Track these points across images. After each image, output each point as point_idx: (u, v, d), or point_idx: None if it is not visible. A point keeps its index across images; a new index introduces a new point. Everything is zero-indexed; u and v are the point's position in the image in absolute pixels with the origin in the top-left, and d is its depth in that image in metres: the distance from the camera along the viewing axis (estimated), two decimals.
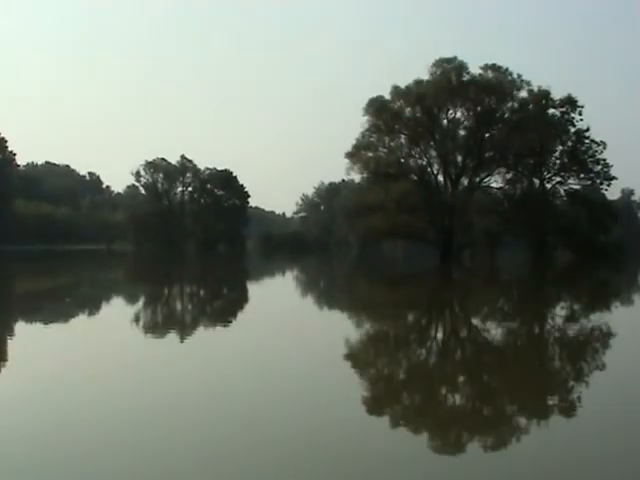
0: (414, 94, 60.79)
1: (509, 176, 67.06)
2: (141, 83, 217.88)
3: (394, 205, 60.74)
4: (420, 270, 54.82)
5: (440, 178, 64.11)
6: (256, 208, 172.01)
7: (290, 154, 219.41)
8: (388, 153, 63.24)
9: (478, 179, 63.84)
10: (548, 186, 69.98)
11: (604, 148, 69.08)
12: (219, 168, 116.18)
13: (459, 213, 58.89)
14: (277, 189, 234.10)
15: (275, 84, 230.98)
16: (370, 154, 63.07)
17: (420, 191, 61.58)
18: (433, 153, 63.40)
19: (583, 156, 68.62)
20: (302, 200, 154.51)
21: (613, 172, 68.61)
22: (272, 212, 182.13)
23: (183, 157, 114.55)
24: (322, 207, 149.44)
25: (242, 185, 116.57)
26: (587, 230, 66.50)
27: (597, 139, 68.42)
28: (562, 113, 67.71)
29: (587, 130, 67.98)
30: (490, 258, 66.62)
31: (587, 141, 68.53)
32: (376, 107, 61.01)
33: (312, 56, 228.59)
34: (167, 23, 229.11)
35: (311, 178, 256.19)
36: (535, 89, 66.84)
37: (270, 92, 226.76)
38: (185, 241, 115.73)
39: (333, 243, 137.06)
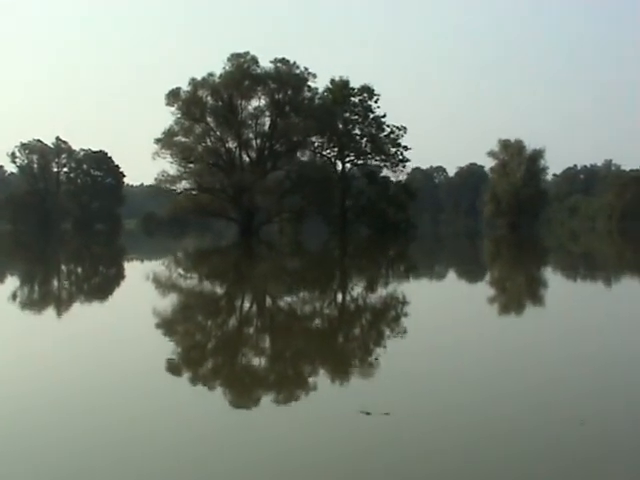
0: (210, 85, 66.59)
1: (310, 158, 73.33)
2: (41, 66, 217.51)
3: (195, 186, 66.93)
4: (227, 245, 60.97)
5: (243, 161, 70.14)
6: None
7: None
8: (195, 139, 68.96)
9: (273, 162, 70.00)
10: (354, 168, 76.90)
11: (404, 133, 76.03)
12: (94, 149, 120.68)
13: (250, 193, 64.86)
14: None
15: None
16: (180, 139, 68.68)
17: (216, 173, 67.67)
18: (234, 138, 69.25)
19: (384, 140, 75.28)
20: None
21: None
22: None
23: (58, 138, 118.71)
24: None
25: (117, 165, 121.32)
26: (383, 207, 73.32)
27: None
28: (360, 101, 74.20)
29: (384, 116, 74.71)
30: (294, 234, 72.96)
31: (387, 126, 75.21)
32: (176, 97, 66.58)
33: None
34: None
35: None
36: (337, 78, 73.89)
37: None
38: (63, 220, 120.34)
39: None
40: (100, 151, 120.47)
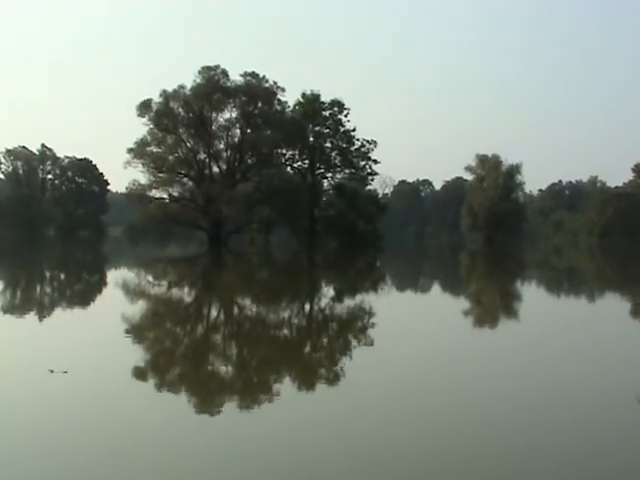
0: (181, 97, 68.10)
1: (280, 170, 74.76)
2: (27, 74, 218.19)
3: (165, 195, 68.57)
4: (197, 253, 62.55)
5: (213, 171, 71.63)
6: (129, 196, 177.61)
7: None
8: (167, 149, 70.38)
9: (243, 173, 71.42)
10: (324, 181, 78.51)
11: (375, 147, 77.46)
12: (79, 157, 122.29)
13: (217, 203, 66.20)
14: None
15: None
16: (152, 150, 70.08)
17: (187, 183, 69.24)
18: (205, 149, 70.75)
19: (355, 154, 76.71)
20: None
21: None
22: None
23: (43, 145, 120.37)
24: None
25: (101, 173, 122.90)
26: (352, 219, 74.59)
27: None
28: (331, 114, 75.69)
29: (354, 130, 76.21)
30: (264, 244, 74.31)
31: (357, 140, 76.66)
32: (147, 109, 68.03)
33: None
34: None
35: None
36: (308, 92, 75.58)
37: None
38: (46, 226, 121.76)
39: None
40: (85, 159, 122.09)
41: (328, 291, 26.81)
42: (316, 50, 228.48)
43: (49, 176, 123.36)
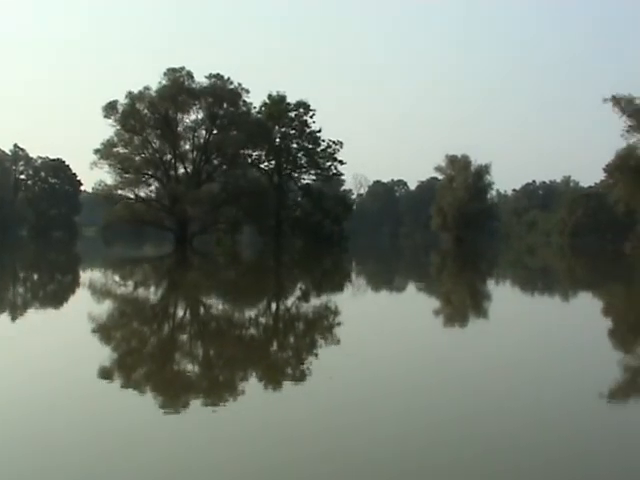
0: (147, 99, 68.78)
1: (247, 171, 75.58)
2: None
3: (132, 195, 69.27)
4: (162, 254, 63.09)
5: (179, 172, 72.37)
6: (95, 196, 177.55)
7: None
8: (133, 150, 70.99)
9: (209, 174, 72.19)
10: (292, 181, 79.40)
11: (341, 147, 78.57)
12: (51, 157, 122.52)
13: (182, 204, 66.92)
14: None
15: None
16: (119, 150, 70.62)
17: (153, 183, 70.09)
18: (171, 150, 71.46)
19: (321, 154, 77.75)
20: None
21: None
22: None
23: (16, 145, 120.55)
24: None
25: (74, 173, 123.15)
26: (318, 219, 75.65)
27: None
28: (296, 116, 76.66)
29: (319, 131, 77.30)
30: (230, 244, 74.97)
31: (324, 141, 77.76)
32: (113, 110, 68.61)
33: None
34: None
35: None
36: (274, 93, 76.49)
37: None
38: (19, 227, 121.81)
39: None
40: (58, 159, 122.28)
41: (295, 290, 27.26)
42: (293, 51, 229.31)
43: (22, 176, 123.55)
